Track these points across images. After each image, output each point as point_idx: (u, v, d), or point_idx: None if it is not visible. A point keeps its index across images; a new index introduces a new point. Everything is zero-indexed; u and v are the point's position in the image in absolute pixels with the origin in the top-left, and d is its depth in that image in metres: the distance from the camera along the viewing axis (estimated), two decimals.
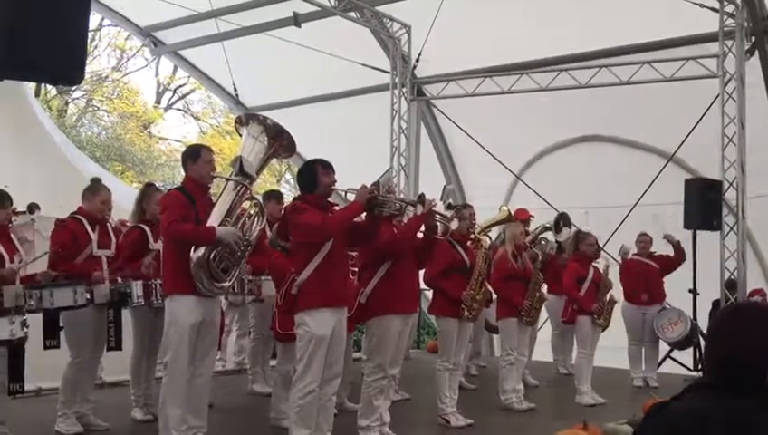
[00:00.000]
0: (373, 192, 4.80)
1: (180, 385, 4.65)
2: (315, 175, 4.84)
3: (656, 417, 1.93)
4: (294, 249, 4.89)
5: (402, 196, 8.61)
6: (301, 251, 4.75)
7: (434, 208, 5.21)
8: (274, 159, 5.44)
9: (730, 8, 8.93)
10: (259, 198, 5.34)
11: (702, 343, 9.04)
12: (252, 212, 4.89)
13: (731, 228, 9.00)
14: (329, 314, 4.66)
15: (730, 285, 8.96)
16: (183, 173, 5.07)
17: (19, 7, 2.68)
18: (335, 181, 4.90)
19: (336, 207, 4.96)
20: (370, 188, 4.80)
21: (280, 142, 5.03)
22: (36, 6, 2.73)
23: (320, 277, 4.64)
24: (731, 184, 8.94)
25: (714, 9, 8.94)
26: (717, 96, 9.09)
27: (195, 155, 4.92)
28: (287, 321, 5.10)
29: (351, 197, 4.90)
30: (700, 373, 8.97)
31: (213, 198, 5.04)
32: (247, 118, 5.17)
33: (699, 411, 1.82)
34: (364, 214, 4.95)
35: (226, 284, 4.77)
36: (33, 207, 5.75)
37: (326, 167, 4.89)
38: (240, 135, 5.19)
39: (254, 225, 4.86)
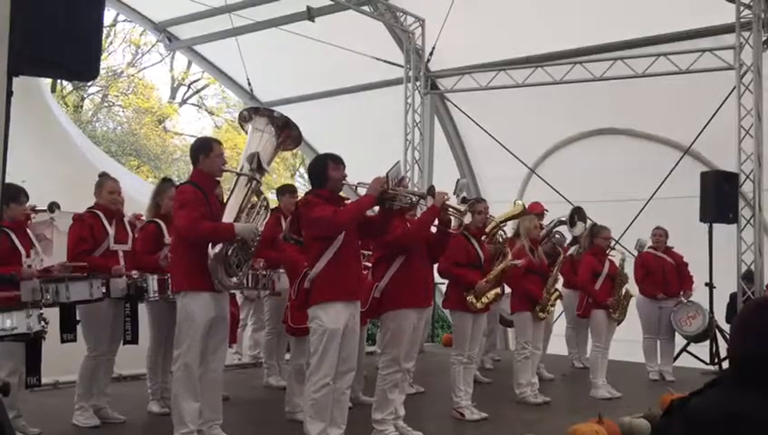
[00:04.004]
0: (384, 186, 4.79)
1: (193, 380, 4.67)
2: (326, 169, 4.84)
3: (679, 413, 1.89)
4: (307, 243, 4.89)
5: (415, 189, 8.60)
6: (313, 245, 4.76)
7: (447, 202, 5.20)
8: (289, 153, 5.44)
9: None
10: (267, 193, 5.34)
11: (718, 336, 9.00)
12: (260, 207, 4.89)
13: (747, 221, 8.94)
14: (341, 307, 4.66)
15: (747, 279, 8.90)
16: None
17: (35, 4, 2.70)
18: (345, 176, 4.89)
19: (347, 202, 4.96)
20: (382, 181, 4.79)
21: (288, 133, 5.00)
22: (52, 3, 2.75)
23: (332, 271, 4.64)
24: (747, 176, 8.88)
25: (730, 0, 8.86)
26: (734, 88, 9.01)
27: (206, 149, 4.89)
28: (300, 315, 5.11)
29: (362, 191, 4.89)
30: (717, 367, 8.93)
31: (224, 192, 5.04)
32: (251, 112, 5.12)
33: (732, 410, 1.80)
34: (377, 208, 4.95)
35: (237, 278, 4.78)
36: (53, 207, 5.79)
37: (336, 161, 4.88)
38: (245, 131, 5.15)
39: (261, 219, 4.87)
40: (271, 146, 4.96)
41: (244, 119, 5.14)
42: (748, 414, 1.76)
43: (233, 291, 5.80)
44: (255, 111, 5.12)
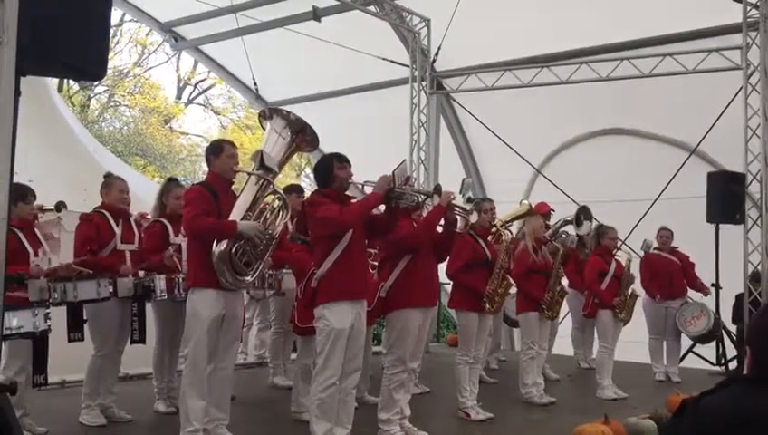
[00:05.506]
0: (390, 184, 4.79)
1: (200, 378, 4.67)
2: (331, 169, 4.84)
3: (691, 412, 1.90)
4: (314, 243, 4.90)
5: (421, 188, 8.60)
6: (320, 244, 4.76)
7: (453, 202, 5.20)
8: (295, 154, 5.44)
9: None
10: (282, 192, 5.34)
11: (725, 337, 8.97)
12: (275, 206, 4.89)
13: (754, 222, 8.90)
14: (348, 307, 4.66)
15: (754, 280, 8.87)
16: (204, 167, 5.11)
17: (42, 3, 2.71)
18: (351, 175, 4.90)
19: (353, 201, 4.96)
20: (389, 180, 4.79)
21: (302, 137, 5.04)
22: (59, 3, 2.76)
23: (339, 271, 4.64)
24: (754, 177, 8.84)
25: (737, 0, 8.84)
26: (741, 88, 8.98)
27: (217, 150, 4.94)
28: (307, 315, 5.11)
29: (369, 189, 4.89)
30: (723, 368, 8.90)
31: (236, 192, 5.06)
32: (271, 112, 5.18)
33: (744, 410, 1.80)
34: (383, 207, 4.94)
35: (249, 278, 4.78)
36: (60, 206, 5.82)
37: (342, 161, 4.89)
38: (264, 129, 5.21)
39: (278, 219, 4.87)
40: (285, 147, 4.99)
41: (264, 117, 5.19)
42: (760, 414, 1.76)
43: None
44: (276, 112, 5.16)
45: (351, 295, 4.70)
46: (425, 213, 5.42)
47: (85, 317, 5.27)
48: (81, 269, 5.18)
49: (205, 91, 28.57)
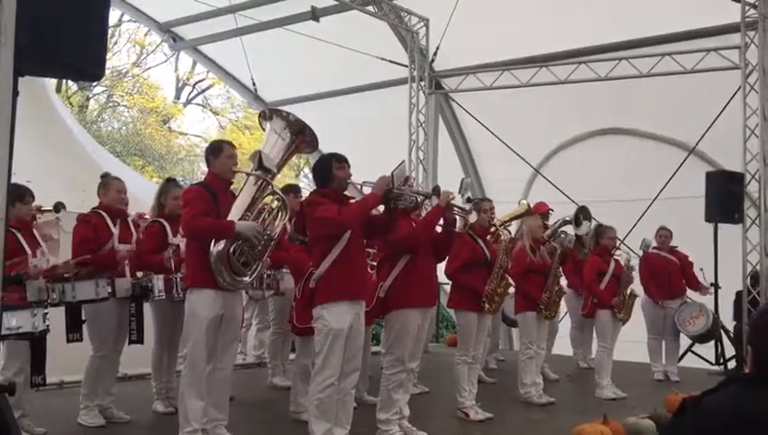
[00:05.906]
0: (389, 184, 4.79)
1: (198, 378, 4.67)
2: (330, 169, 4.84)
3: (693, 411, 1.90)
4: (312, 243, 4.90)
5: (420, 189, 8.60)
6: (318, 245, 4.76)
7: (452, 202, 5.20)
8: (294, 155, 5.44)
9: None
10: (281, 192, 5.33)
11: (723, 337, 8.98)
12: (273, 207, 4.89)
13: (753, 221, 8.91)
14: (346, 307, 4.66)
15: (753, 279, 8.87)
16: (203, 168, 5.11)
17: (40, 4, 2.70)
18: (350, 175, 4.90)
19: (352, 201, 4.95)
20: (388, 180, 4.79)
21: (302, 138, 5.05)
22: (57, 3, 2.75)
23: (337, 271, 4.64)
24: (753, 176, 8.85)
25: (735, 0, 8.85)
26: (739, 88, 8.99)
27: (216, 150, 4.94)
28: (305, 315, 5.11)
29: (367, 190, 4.90)
30: (722, 367, 8.91)
31: (235, 193, 5.05)
32: (271, 113, 5.19)
33: (745, 409, 1.80)
34: (382, 207, 4.94)
35: (248, 278, 4.77)
36: (58, 207, 5.81)
37: (340, 161, 4.89)
38: (263, 129, 5.21)
39: (277, 220, 4.86)
40: (284, 148, 5.00)
41: (264, 117, 5.20)
42: (761, 414, 1.76)
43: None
44: (276, 113, 5.17)
45: (350, 296, 4.70)
46: (424, 213, 5.41)
47: (84, 318, 5.26)
48: (78, 260, 5.17)
49: (203, 91, 28.59)
